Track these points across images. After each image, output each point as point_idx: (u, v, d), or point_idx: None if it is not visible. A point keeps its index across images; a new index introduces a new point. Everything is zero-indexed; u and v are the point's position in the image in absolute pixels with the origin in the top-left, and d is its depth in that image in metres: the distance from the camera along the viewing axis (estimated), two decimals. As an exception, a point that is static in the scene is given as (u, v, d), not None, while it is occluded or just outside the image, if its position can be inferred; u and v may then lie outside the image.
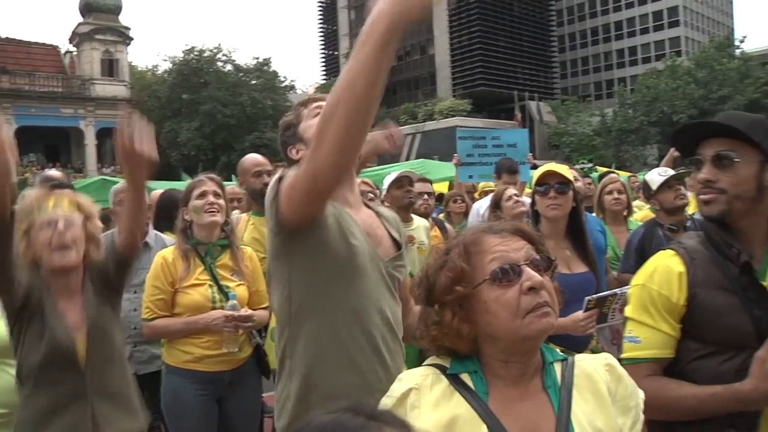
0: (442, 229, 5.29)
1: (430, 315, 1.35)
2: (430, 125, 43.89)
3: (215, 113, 37.47)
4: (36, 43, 38.76)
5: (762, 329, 1.65)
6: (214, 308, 3.09)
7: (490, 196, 5.20)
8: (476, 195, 6.77)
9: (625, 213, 4.55)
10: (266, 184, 2.80)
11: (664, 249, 1.87)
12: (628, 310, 1.82)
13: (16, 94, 33.27)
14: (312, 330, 1.81)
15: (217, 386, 3.12)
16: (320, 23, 74.22)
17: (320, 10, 73.99)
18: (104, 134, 36.32)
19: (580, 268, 2.95)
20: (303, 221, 1.72)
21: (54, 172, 6.11)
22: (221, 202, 3.21)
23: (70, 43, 37.74)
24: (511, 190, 4.13)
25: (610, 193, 4.48)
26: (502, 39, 60.19)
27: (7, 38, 39.39)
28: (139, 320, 3.30)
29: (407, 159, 43.67)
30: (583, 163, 10.30)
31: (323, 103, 1.95)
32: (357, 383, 1.76)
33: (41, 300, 2.30)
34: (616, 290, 2.79)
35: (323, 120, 1.53)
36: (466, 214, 6.11)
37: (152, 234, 3.78)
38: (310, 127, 1.96)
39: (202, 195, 3.19)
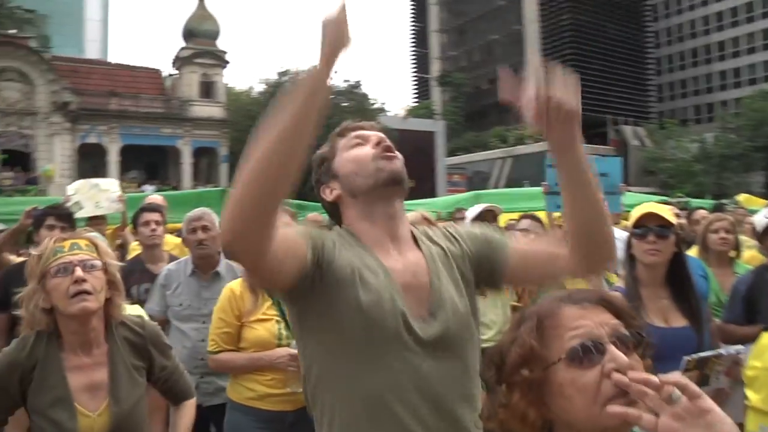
0: None
1: (498, 395, 1.15)
2: (520, 149, 43.13)
3: (306, 135, 38.13)
4: (141, 68, 41.17)
5: None
6: (279, 345, 2.97)
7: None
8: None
9: (732, 254, 4.11)
10: None
11: None
12: (760, 401, 1.52)
13: (122, 114, 35.35)
14: (330, 412, 1.55)
15: (278, 426, 2.98)
16: (412, 46, 75.05)
17: (413, 34, 74.90)
18: (200, 153, 37.93)
19: (679, 321, 2.62)
20: (272, 282, 1.50)
21: (155, 197, 6.29)
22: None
23: (173, 66, 39.82)
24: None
25: (716, 232, 4.05)
26: (596, 62, 58.64)
27: (117, 64, 42.24)
28: (206, 351, 3.23)
29: (496, 185, 43.24)
30: (679, 196, 9.56)
31: (367, 132, 1.70)
32: None
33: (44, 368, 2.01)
34: (722, 351, 2.44)
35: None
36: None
37: (223, 263, 3.71)
38: (347, 161, 1.67)
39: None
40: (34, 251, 2.14)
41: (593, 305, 1.13)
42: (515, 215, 7.37)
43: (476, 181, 45.73)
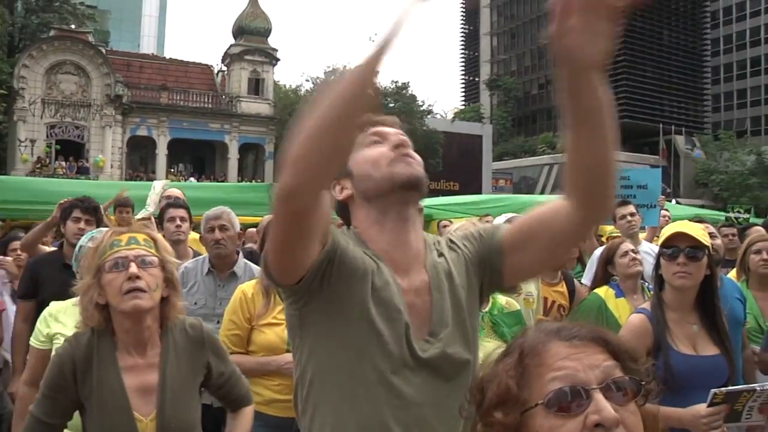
0: (570, 285, 4.41)
1: None
2: (567, 156, 42.18)
3: (352, 134, 38.15)
4: (193, 63, 41.94)
5: None
6: (288, 351, 2.90)
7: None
8: (603, 239, 6.27)
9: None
10: None
11: None
12: None
13: (172, 108, 36.01)
14: (321, 423, 1.48)
15: (284, 433, 2.92)
16: (462, 49, 74.65)
17: (462, 37, 74.49)
18: (246, 149, 38.38)
19: (709, 349, 2.46)
20: (292, 258, 1.40)
21: (174, 190, 6.30)
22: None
23: (222, 63, 40.36)
24: (628, 245, 3.64)
25: (759, 252, 3.80)
26: (649, 69, 57.27)
27: (170, 59, 43.08)
28: (218, 352, 3.19)
29: (543, 191, 42.49)
30: (738, 211, 8.94)
31: (386, 130, 1.58)
32: None
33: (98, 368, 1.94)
34: (756, 386, 2.26)
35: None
36: (578, 259, 5.58)
37: (242, 263, 3.66)
38: (362, 161, 1.55)
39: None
40: (91, 244, 2.08)
41: (585, 343, 0.99)
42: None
43: (522, 186, 45.08)
